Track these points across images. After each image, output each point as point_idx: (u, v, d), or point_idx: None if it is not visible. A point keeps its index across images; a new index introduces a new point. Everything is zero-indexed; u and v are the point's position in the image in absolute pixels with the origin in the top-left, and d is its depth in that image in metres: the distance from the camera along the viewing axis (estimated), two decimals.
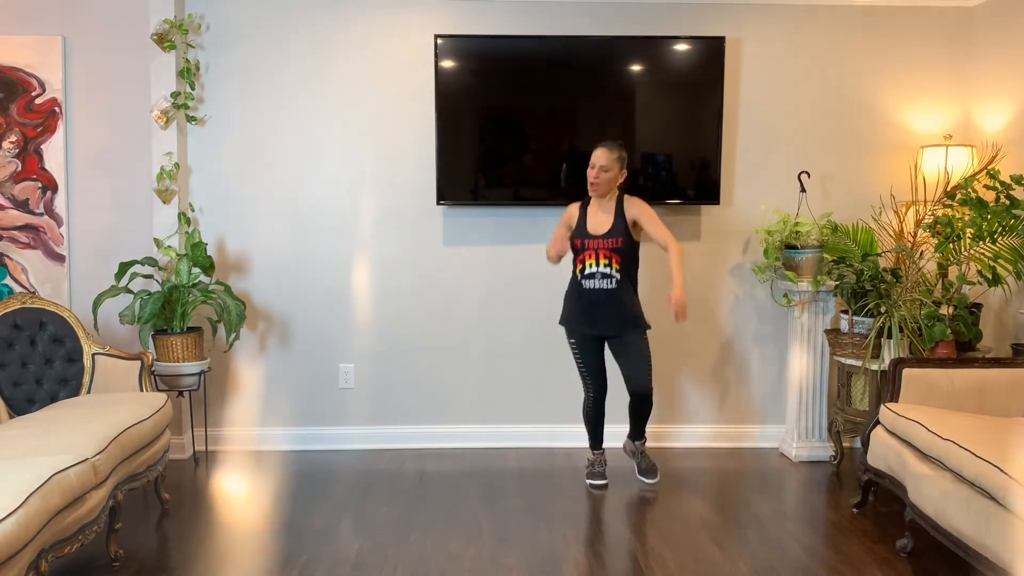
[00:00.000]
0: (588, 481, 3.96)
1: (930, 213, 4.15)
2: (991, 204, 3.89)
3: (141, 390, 3.73)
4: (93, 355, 3.75)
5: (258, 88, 4.44)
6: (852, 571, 3.05)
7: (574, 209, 3.87)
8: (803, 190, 4.44)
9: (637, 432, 3.97)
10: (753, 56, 4.51)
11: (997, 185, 3.87)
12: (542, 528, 3.45)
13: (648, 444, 4.59)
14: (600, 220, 3.77)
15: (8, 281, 4.37)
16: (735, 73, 4.50)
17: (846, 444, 4.42)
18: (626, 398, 3.89)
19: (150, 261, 4.19)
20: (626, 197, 3.81)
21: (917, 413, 3.25)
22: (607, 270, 3.72)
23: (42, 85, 4.33)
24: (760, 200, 4.55)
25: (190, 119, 4.39)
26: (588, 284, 3.76)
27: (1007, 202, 3.84)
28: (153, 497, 3.77)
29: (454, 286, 4.54)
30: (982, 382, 3.46)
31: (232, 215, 4.48)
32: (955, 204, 3.98)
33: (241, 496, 3.86)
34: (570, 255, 3.90)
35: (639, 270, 3.91)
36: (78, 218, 4.41)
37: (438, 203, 4.41)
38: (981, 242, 3.89)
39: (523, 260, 4.52)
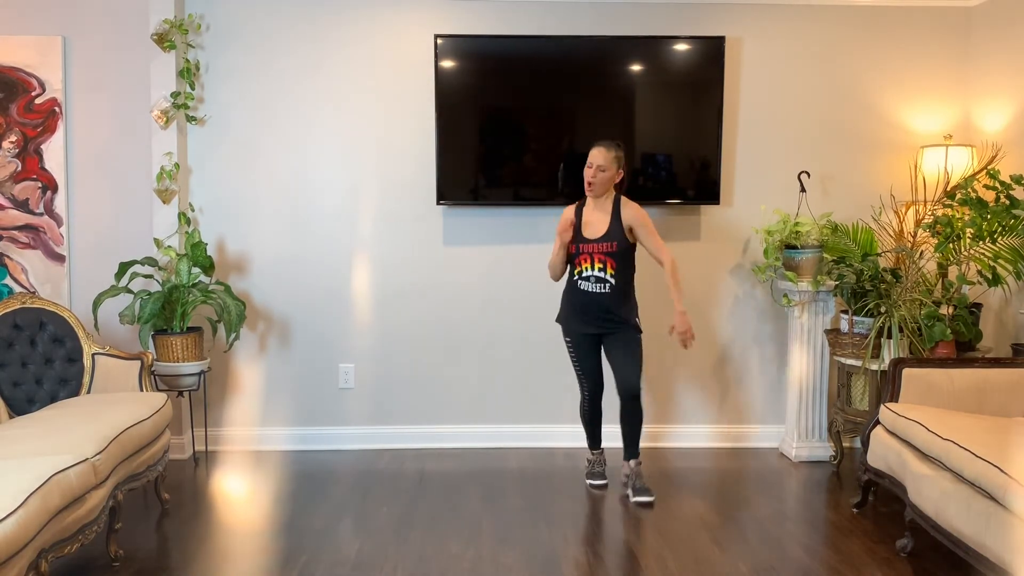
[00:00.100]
0: (588, 481, 3.96)
1: (930, 213, 4.15)
2: (991, 204, 3.89)
3: (141, 390, 3.73)
4: (93, 355, 3.75)
5: (258, 88, 4.44)
6: (852, 571, 3.05)
7: (569, 213, 3.78)
8: (803, 190, 4.44)
9: (633, 448, 3.77)
10: (753, 56, 4.51)
11: (997, 185, 3.87)
12: (542, 528, 3.45)
13: (648, 444, 4.60)
14: (596, 223, 3.72)
15: (8, 281, 4.37)
16: (735, 73, 4.50)
17: (846, 444, 4.42)
18: None
19: (150, 261, 4.20)
20: (623, 200, 3.75)
21: (917, 413, 3.25)
22: (601, 274, 3.69)
23: (42, 85, 4.33)
24: (760, 200, 4.55)
25: (190, 119, 4.39)
26: (584, 286, 3.73)
27: (1007, 202, 3.84)
28: (153, 497, 3.77)
29: (454, 286, 4.54)
30: (982, 382, 3.46)
31: (232, 215, 4.48)
32: (955, 204, 3.98)
33: (241, 496, 3.86)
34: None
35: (635, 272, 3.87)
36: (78, 218, 4.41)
37: (438, 203, 4.41)
38: (981, 242, 3.89)
39: (523, 260, 4.52)
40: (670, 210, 4.54)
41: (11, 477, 2.50)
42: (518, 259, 4.53)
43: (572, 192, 4.15)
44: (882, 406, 3.49)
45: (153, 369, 3.90)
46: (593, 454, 4.00)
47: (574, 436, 4.35)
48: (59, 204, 4.37)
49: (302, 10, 4.42)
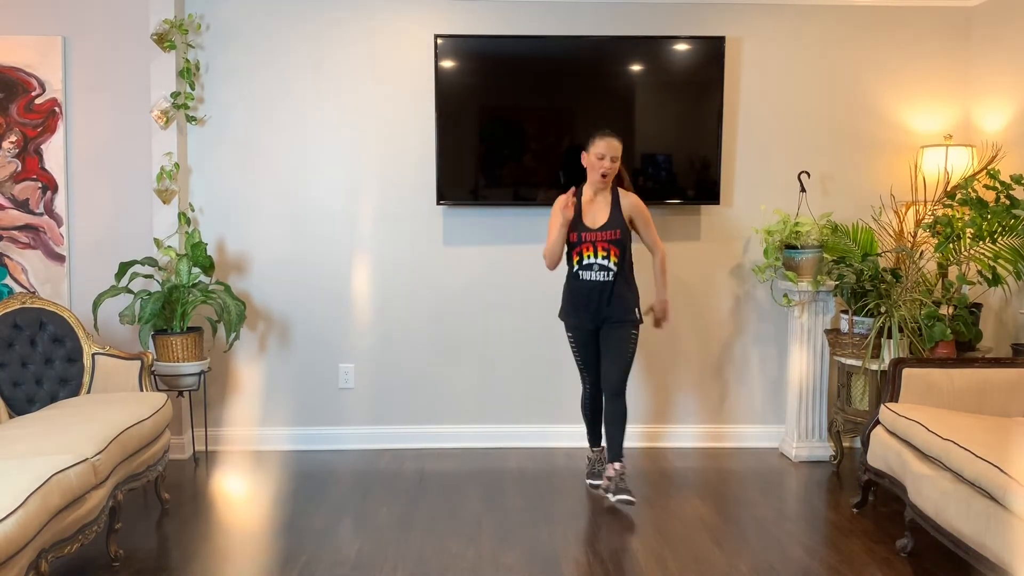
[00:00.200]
0: (588, 481, 3.96)
1: (930, 213, 4.15)
2: (991, 204, 3.89)
3: (141, 390, 3.73)
4: (93, 355, 3.75)
5: (258, 88, 4.44)
6: (852, 571, 3.05)
7: (566, 197, 3.68)
8: (803, 190, 4.44)
9: (616, 450, 3.71)
10: (753, 56, 4.51)
11: (997, 185, 3.87)
12: (542, 528, 3.45)
13: (648, 444, 4.60)
14: (597, 212, 3.70)
15: (8, 281, 4.37)
16: (735, 73, 4.50)
17: (846, 444, 4.42)
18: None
19: (150, 261, 4.20)
20: (620, 191, 3.75)
21: (917, 413, 3.25)
22: (605, 262, 3.67)
23: (42, 85, 4.33)
24: (760, 200, 4.55)
25: (190, 119, 4.39)
26: (585, 276, 3.69)
27: (1007, 202, 3.84)
28: (153, 497, 3.77)
29: (454, 286, 4.54)
30: (982, 382, 3.46)
31: (232, 215, 4.48)
32: (955, 204, 3.98)
33: (241, 496, 3.86)
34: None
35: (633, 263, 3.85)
36: (78, 218, 4.41)
37: (438, 203, 4.41)
38: (981, 242, 3.89)
39: (523, 260, 4.52)
40: (670, 210, 4.54)
41: (11, 477, 2.50)
42: (518, 259, 4.53)
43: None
44: (882, 406, 3.49)
45: (153, 369, 3.90)
46: (593, 452, 3.99)
47: (574, 436, 4.35)
48: (59, 204, 4.37)
49: (302, 10, 4.42)
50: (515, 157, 4.43)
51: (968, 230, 3.92)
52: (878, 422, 3.52)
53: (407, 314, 4.54)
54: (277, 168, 4.48)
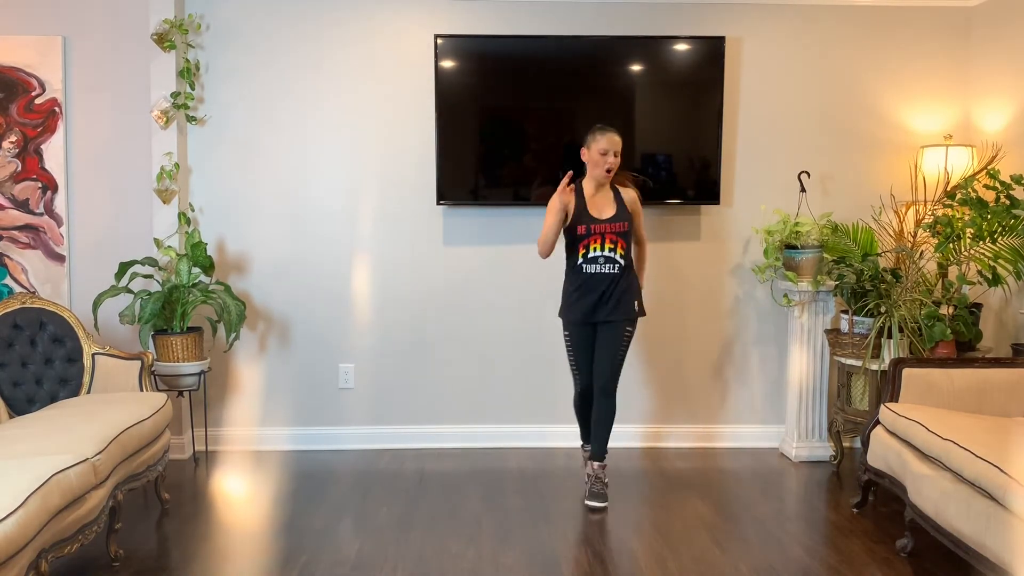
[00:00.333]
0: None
1: (930, 213, 4.15)
2: (991, 204, 3.89)
3: (141, 390, 3.73)
4: (93, 355, 3.75)
5: (258, 88, 4.44)
6: (852, 571, 3.05)
7: (561, 188, 3.66)
8: (803, 190, 4.44)
9: (600, 449, 3.74)
10: (753, 56, 4.51)
11: (997, 185, 3.87)
12: (542, 528, 3.45)
13: (648, 444, 4.60)
14: (601, 205, 3.69)
15: (8, 281, 4.37)
16: (735, 73, 4.50)
17: (846, 444, 4.42)
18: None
19: (150, 261, 4.20)
20: (622, 188, 3.76)
21: (917, 413, 3.25)
22: (612, 254, 3.66)
23: (42, 85, 4.33)
24: (760, 200, 4.55)
25: (190, 119, 4.39)
26: (591, 269, 3.66)
27: (1007, 202, 3.84)
28: (153, 497, 3.77)
29: (454, 286, 4.54)
30: (982, 382, 3.46)
31: (232, 215, 4.48)
32: (955, 204, 3.98)
33: (241, 496, 3.86)
34: (561, 244, 3.78)
35: None
36: (78, 218, 4.41)
37: (438, 203, 4.41)
38: (981, 242, 3.89)
39: (523, 260, 4.52)
40: (670, 210, 4.54)
41: (11, 477, 2.50)
42: (518, 259, 4.53)
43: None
44: (882, 406, 3.49)
45: (153, 369, 3.90)
46: (586, 450, 3.99)
47: (574, 436, 4.35)
48: (59, 204, 4.37)
49: (302, 10, 4.42)
50: (515, 157, 4.43)
51: (968, 230, 3.92)
52: (878, 422, 3.52)
53: (407, 314, 4.54)
54: (277, 168, 4.48)
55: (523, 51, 4.36)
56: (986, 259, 3.88)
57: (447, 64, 4.34)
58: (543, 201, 4.36)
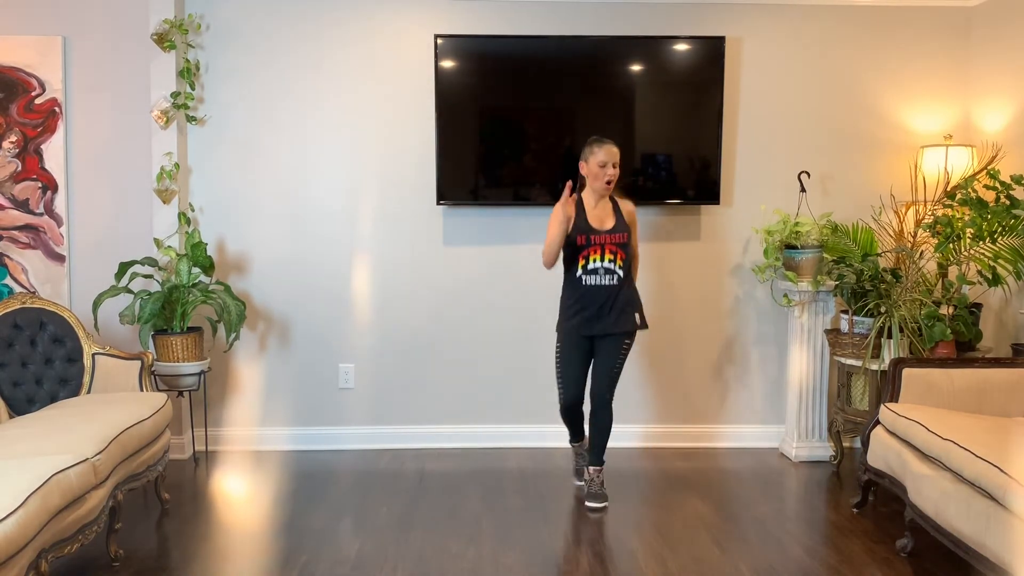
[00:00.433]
0: (576, 482, 3.95)
1: (930, 213, 4.15)
2: (991, 204, 3.89)
3: (141, 390, 3.73)
4: (93, 355, 3.75)
5: (258, 88, 4.44)
6: (852, 571, 3.05)
7: (564, 199, 3.64)
8: (803, 190, 4.44)
9: (597, 456, 3.77)
10: (753, 56, 4.51)
11: (997, 185, 3.87)
12: (542, 528, 3.45)
13: (648, 444, 4.60)
14: (601, 216, 3.68)
15: (8, 281, 4.37)
16: (735, 73, 4.50)
17: (846, 444, 4.42)
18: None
19: (150, 261, 4.20)
20: (619, 200, 3.75)
21: (917, 413, 3.25)
22: (611, 265, 3.64)
23: (42, 85, 4.33)
24: (760, 200, 4.55)
25: (190, 119, 4.39)
26: (591, 280, 3.64)
27: (1007, 202, 3.84)
28: (153, 497, 3.77)
29: (454, 286, 4.54)
30: (982, 382, 3.46)
31: (232, 215, 4.48)
32: (955, 204, 3.98)
33: (241, 496, 3.86)
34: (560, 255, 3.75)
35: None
36: (78, 218, 4.41)
37: (438, 203, 4.41)
38: (981, 242, 3.89)
39: (523, 260, 4.52)
40: (670, 210, 4.54)
41: (11, 477, 2.50)
42: (518, 259, 4.53)
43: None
44: (882, 406, 3.49)
45: (153, 369, 3.90)
46: (575, 447, 3.97)
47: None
48: (59, 204, 4.37)
49: (302, 10, 4.42)
50: (515, 157, 4.43)
51: (968, 230, 3.92)
52: (878, 422, 3.52)
53: (407, 314, 4.54)
54: (277, 168, 4.48)
55: (523, 51, 4.36)
56: (986, 259, 3.88)
57: (447, 64, 4.34)
58: (544, 201, 4.38)
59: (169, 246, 4.28)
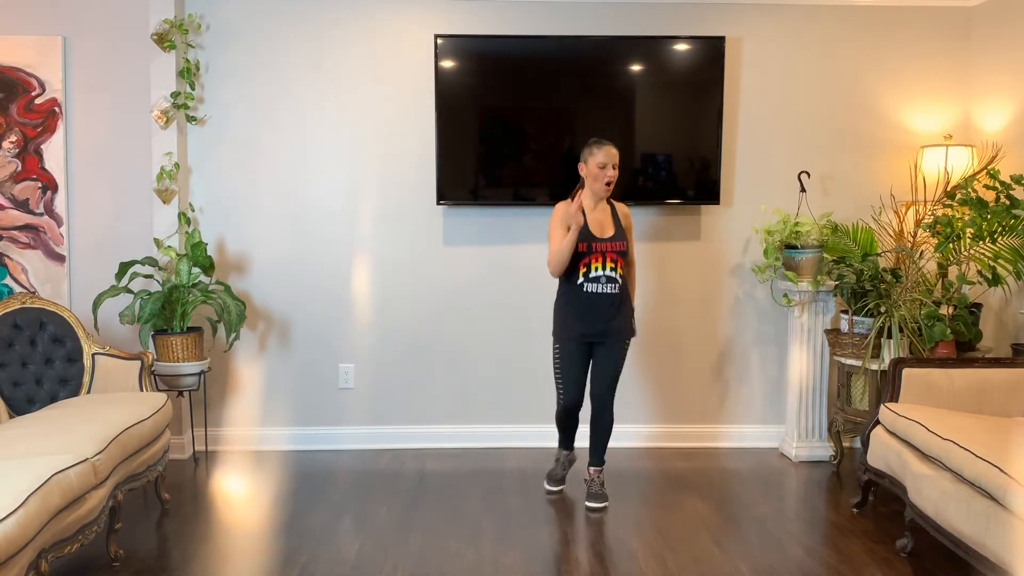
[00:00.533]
0: (546, 485, 3.91)
1: (930, 213, 4.15)
2: (991, 204, 3.89)
3: (141, 390, 3.73)
4: (93, 355, 3.75)
5: (258, 88, 4.44)
6: (852, 571, 3.05)
7: (567, 210, 3.62)
8: (803, 190, 4.44)
9: (598, 456, 3.77)
10: (753, 56, 4.51)
11: (997, 185, 3.87)
12: (542, 528, 3.45)
13: (649, 444, 4.60)
14: (601, 223, 3.66)
15: (8, 281, 4.37)
16: (735, 73, 4.50)
17: (846, 444, 4.42)
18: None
19: (150, 261, 4.20)
20: (615, 203, 3.74)
21: (917, 413, 3.25)
22: (612, 274, 3.62)
23: (42, 85, 4.33)
24: (760, 200, 4.55)
25: (190, 119, 4.39)
26: (592, 288, 3.61)
27: (1007, 202, 3.84)
28: (153, 497, 3.77)
29: (454, 286, 4.54)
30: (982, 382, 3.46)
31: (232, 215, 4.48)
32: (955, 204, 3.98)
33: (241, 496, 3.86)
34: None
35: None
36: (78, 218, 4.41)
37: (438, 203, 4.41)
38: (981, 242, 3.89)
39: (523, 260, 4.52)
40: (670, 210, 4.54)
41: (11, 477, 2.50)
42: (518, 259, 4.53)
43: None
44: (882, 406, 3.49)
45: (153, 369, 3.90)
46: (561, 453, 3.94)
47: (581, 437, 4.34)
48: (59, 204, 4.37)
49: (302, 10, 4.42)
50: (515, 157, 4.43)
51: (968, 230, 3.92)
52: (878, 422, 3.52)
53: (407, 314, 4.54)
54: (277, 168, 4.48)
55: (523, 51, 4.36)
56: (986, 259, 3.88)
57: (447, 64, 4.34)
58: (543, 202, 4.38)
59: (169, 246, 4.28)
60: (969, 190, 3.93)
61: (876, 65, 4.54)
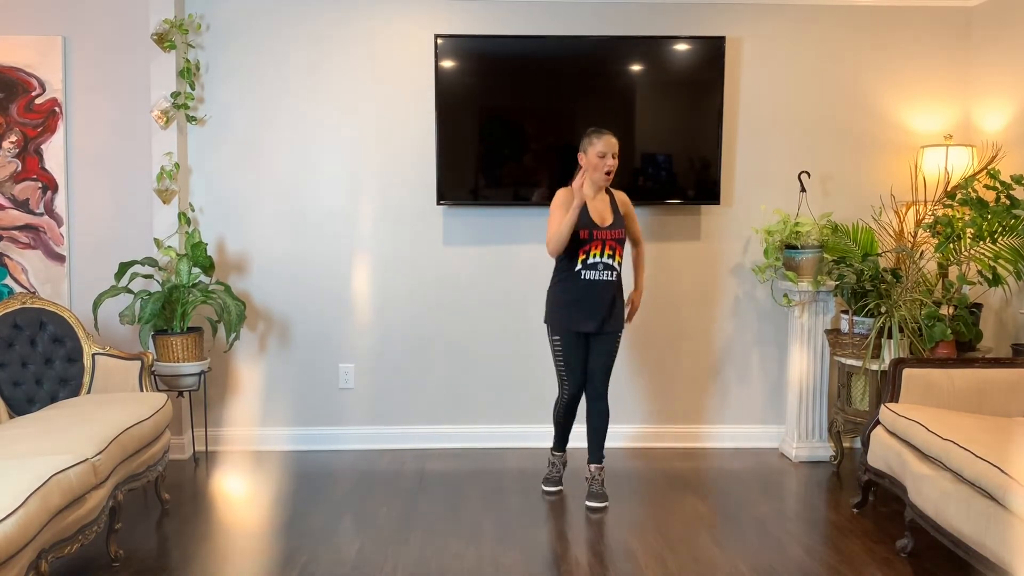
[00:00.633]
0: (544, 487, 3.90)
1: (930, 213, 4.15)
2: (991, 204, 3.89)
3: (141, 390, 3.73)
4: (93, 355, 3.75)
5: (258, 88, 4.44)
6: (852, 571, 3.05)
7: (569, 196, 3.64)
8: (803, 190, 4.44)
9: (597, 452, 3.78)
10: (753, 56, 4.51)
11: (997, 185, 3.87)
12: (542, 528, 3.45)
13: (649, 444, 4.60)
14: (600, 211, 3.68)
15: (8, 281, 4.37)
16: (735, 73, 4.50)
17: (846, 444, 4.42)
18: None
19: (150, 261, 4.20)
20: (614, 191, 3.77)
21: (917, 413, 3.25)
22: (610, 261, 3.65)
23: (42, 85, 4.33)
24: (760, 200, 4.55)
25: (190, 119, 4.39)
26: (589, 275, 3.63)
27: (1007, 202, 3.84)
28: (153, 497, 3.77)
29: (454, 286, 4.54)
30: (982, 382, 3.46)
31: (232, 215, 4.48)
32: (955, 204, 3.98)
33: (241, 496, 3.86)
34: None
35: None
36: (78, 218, 4.41)
37: (438, 203, 4.41)
38: (981, 242, 3.89)
39: (523, 260, 4.52)
40: (670, 210, 4.54)
41: (11, 477, 2.50)
42: (518, 259, 4.53)
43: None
44: (882, 406, 3.49)
45: (153, 369, 3.90)
46: (555, 456, 3.94)
47: (573, 436, 4.34)
48: (59, 204, 4.37)
49: (302, 10, 4.42)
50: (515, 157, 4.43)
51: (968, 230, 3.92)
52: (878, 422, 3.52)
53: (407, 314, 4.54)
54: (277, 168, 4.48)
55: (523, 51, 4.36)
56: (986, 259, 3.88)
57: (447, 64, 4.34)
58: (543, 202, 4.38)
59: (169, 246, 4.28)
60: (969, 190, 3.93)
61: (876, 65, 4.54)
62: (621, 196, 3.80)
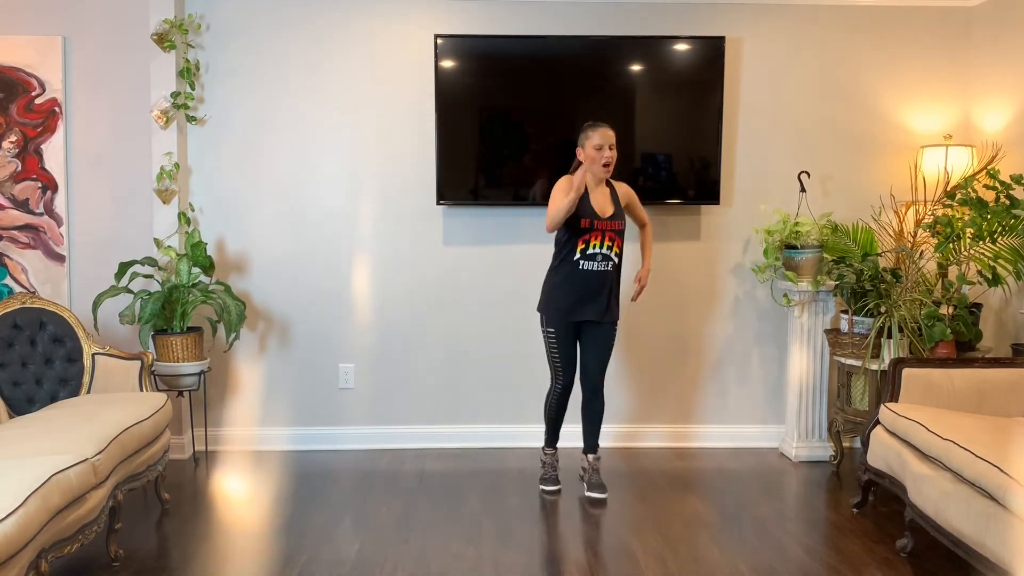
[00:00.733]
0: (541, 487, 3.90)
1: (930, 213, 4.15)
2: (991, 204, 3.89)
3: (141, 390, 3.73)
4: (93, 355, 3.75)
5: (258, 88, 4.44)
6: (852, 571, 3.05)
7: (570, 183, 3.62)
8: (803, 190, 4.44)
9: (592, 442, 3.85)
10: (753, 56, 4.51)
11: (997, 185, 3.87)
12: (542, 528, 3.45)
13: (648, 444, 4.60)
14: (601, 202, 3.70)
15: (8, 281, 4.37)
16: (735, 73, 4.50)
17: (846, 444, 4.42)
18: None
19: (150, 261, 4.20)
20: (614, 183, 3.78)
21: (917, 413, 3.25)
22: (609, 252, 3.67)
23: (42, 85, 4.33)
24: (760, 200, 4.55)
25: (190, 119, 4.39)
26: (587, 265, 3.65)
27: (1007, 202, 3.84)
28: (153, 497, 3.77)
29: (454, 286, 4.54)
30: (982, 382, 3.46)
31: (232, 215, 4.48)
32: (955, 204, 3.98)
33: (241, 496, 3.86)
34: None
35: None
36: (78, 218, 4.41)
37: (438, 203, 4.41)
38: (981, 242, 3.89)
39: (523, 260, 4.52)
40: (670, 210, 4.54)
41: (11, 477, 2.50)
42: (518, 259, 4.53)
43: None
44: (882, 406, 3.49)
45: (153, 369, 3.90)
46: (547, 453, 3.95)
47: (573, 436, 4.34)
48: (59, 204, 4.37)
49: (302, 10, 4.42)
50: (515, 157, 4.43)
51: (968, 230, 3.92)
52: (878, 422, 3.52)
53: (407, 314, 4.54)
54: (277, 168, 4.48)
55: (523, 51, 4.36)
56: (986, 259, 3.88)
57: (447, 64, 4.34)
58: (543, 202, 4.38)
59: (169, 246, 4.28)
60: (969, 190, 3.93)
61: (876, 65, 4.54)
62: (623, 187, 3.82)
